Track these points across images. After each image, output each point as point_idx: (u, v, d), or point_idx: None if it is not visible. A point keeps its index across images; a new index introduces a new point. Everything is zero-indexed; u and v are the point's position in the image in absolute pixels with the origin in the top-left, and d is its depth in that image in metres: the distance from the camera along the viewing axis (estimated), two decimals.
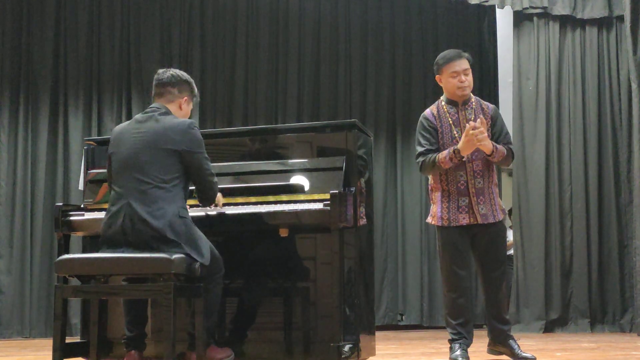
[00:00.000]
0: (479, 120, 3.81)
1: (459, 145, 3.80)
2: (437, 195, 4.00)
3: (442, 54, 4.10)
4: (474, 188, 3.94)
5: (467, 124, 3.88)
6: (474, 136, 3.74)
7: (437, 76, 4.04)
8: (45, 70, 7.24)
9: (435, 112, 4.01)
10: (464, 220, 3.92)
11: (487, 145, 3.81)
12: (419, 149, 3.96)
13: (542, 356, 4.52)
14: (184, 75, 3.62)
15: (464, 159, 3.87)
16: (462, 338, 3.95)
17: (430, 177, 4.05)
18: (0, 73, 7.17)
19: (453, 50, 4.12)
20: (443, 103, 4.04)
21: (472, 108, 4.02)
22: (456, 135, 3.94)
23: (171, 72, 3.59)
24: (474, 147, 3.79)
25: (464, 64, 4.00)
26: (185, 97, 3.58)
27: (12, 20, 7.22)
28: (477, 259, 4.05)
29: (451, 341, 3.98)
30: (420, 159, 3.94)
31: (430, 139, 3.95)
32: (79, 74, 7.34)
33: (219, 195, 3.59)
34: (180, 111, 3.57)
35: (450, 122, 3.98)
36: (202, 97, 7.68)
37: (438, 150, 3.94)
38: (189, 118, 3.60)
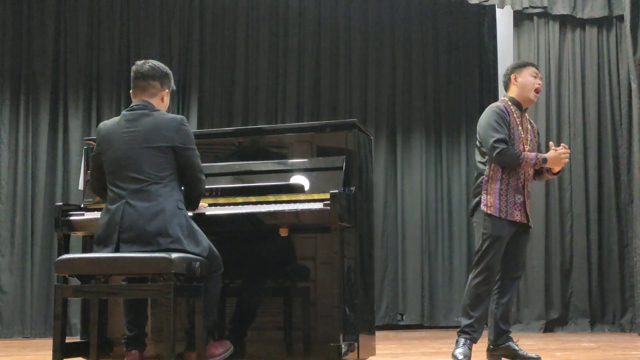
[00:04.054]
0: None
1: (548, 156, 3.97)
2: (494, 187, 4.00)
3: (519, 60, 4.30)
4: (526, 189, 4.06)
5: (527, 134, 4.09)
6: (563, 155, 3.99)
7: (512, 75, 4.16)
8: (46, 69, 7.24)
9: (507, 108, 4.08)
10: (517, 216, 4.01)
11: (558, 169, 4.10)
12: (497, 135, 3.95)
13: (542, 356, 4.51)
14: (164, 67, 3.53)
15: (543, 169, 4.06)
16: (473, 332, 3.97)
17: (487, 167, 4.04)
18: (1, 72, 7.18)
19: None
20: (509, 103, 4.12)
21: (526, 118, 4.19)
22: (522, 135, 4.05)
23: (150, 63, 3.49)
24: (561, 165, 4.04)
25: (539, 73, 4.22)
26: (167, 90, 3.52)
27: (13, 20, 7.23)
28: (504, 257, 4.07)
29: (460, 333, 3.99)
30: (503, 145, 3.93)
31: (505, 130, 3.99)
32: (79, 73, 7.34)
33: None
34: (162, 104, 3.50)
35: (518, 121, 4.08)
36: (202, 97, 7.69)
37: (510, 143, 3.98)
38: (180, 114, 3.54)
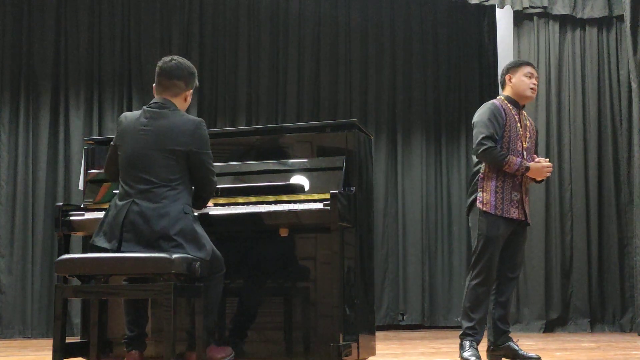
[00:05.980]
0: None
1: (532, 166, 3.96)
2: (490, 184, 3.98)
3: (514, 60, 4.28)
4: (524, 187, 4.05)
5: (526, 131, 4.08)
6: (546, 169, 4.00)
7: (507, 75, 4.14)
8: (46, 69, 7.24)
9: (503, 106, 4.06)
10: (514, 214, 3.99)
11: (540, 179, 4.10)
12: (486, 132, 3.93)
13: (542, 356, 4.51)
14: (190, 66, 3.51)
15: (524, 176, 4.01)
16: (475, 334, 3.96)
17: (483, 165, 4.03)
18: (1, 72, 7.18)
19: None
20: (505, 101, 4.11)
21: (524, 116, 4.16)
22: (521, 132, 4.04)
23: (176, 61, 3.45)
24: (543, 177, 4.04)
25: (535, 72, 4.19)
26: (191, 90, 3.51)
27: (13, 20, 7.23)
28: (501, 257, 4.04)
29: (463, 336, 3.97)
30: (490, 143, 3.91)
31: (497, 129, 3.97)
32: (80, 73, 7.34)
33: None
34: (185, 103, 3.51)
35: (516, 118, 4.07)
36: (202, 98, 7.69)
37: (498, 143, 3.96)
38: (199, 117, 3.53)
